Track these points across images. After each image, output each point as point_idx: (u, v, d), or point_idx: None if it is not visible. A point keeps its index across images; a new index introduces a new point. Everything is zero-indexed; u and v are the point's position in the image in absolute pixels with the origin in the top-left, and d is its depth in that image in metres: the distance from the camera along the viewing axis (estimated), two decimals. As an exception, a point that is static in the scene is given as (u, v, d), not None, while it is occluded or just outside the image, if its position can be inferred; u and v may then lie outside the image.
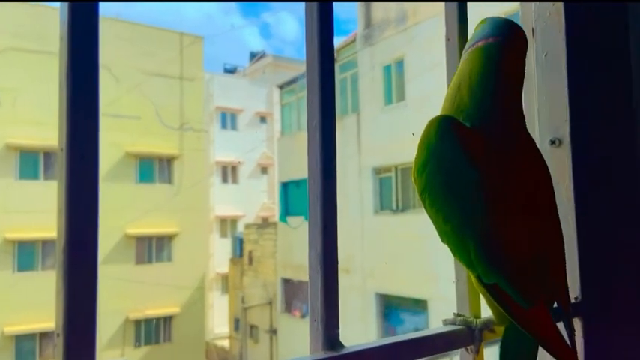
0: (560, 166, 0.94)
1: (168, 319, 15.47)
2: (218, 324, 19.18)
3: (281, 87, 15.07)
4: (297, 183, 13.22)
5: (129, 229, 14.91)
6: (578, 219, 0.93)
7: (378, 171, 10.94)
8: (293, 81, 14.37)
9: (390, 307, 10.60)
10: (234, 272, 17.35)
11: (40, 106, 12.56)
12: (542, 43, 0.98)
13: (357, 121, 11.35)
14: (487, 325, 0.79)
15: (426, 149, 0.73)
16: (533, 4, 1.01)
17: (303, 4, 0.73)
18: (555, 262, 0.76)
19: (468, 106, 0.74)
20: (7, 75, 13.19)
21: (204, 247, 17.51)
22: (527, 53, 0.79)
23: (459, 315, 0.82)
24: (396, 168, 10.49)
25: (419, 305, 9.79)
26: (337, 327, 0.66)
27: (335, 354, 0.64)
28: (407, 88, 10.27)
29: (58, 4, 0.53)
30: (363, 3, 11.39)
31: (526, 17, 1.01)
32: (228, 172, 22.27)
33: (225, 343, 17.80)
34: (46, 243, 13.43)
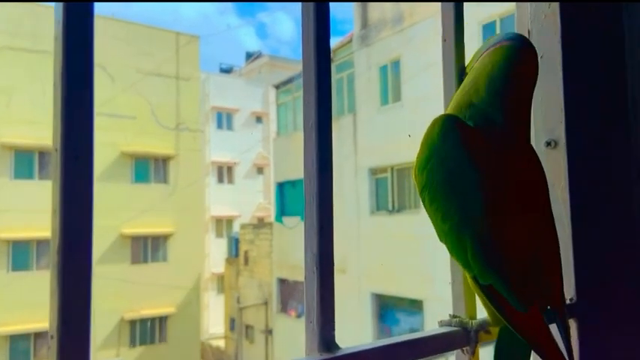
0: (555, 168, 0.94)
1: (163, 320, 15.44)
2: (213, 324, 19.15)
3: (277, 87, 15.06)
4: (293, 183, 13.21)
5: (124, 228, 14.87)
6: (574, 220, 0.93)
7: (374, 171, 10.95)
8: (289, 81, 14.36)
9: (386, 308, 10.61)
10: (229, 272, 17.33)
11: (34, 105, 12.51)
12: (537, 44, 0.98)
13: (353, 121, 11.36)
14: (483, 326, 0.79)
15: (428, 147, 0.74)
16: (528, 6, 1.01)
17: (300, 4, 0.73)
18: (551, 266, 0.76)
19: (478, 103, 0.74)
20: (2, 74, 13.13)
21: (200, 247, 17.49)
22: None
23: (454, 316, 0.82)
24: (392, 168, 10.50)
25: (414, 306, 9.81)
26: (333, 329, 0.66)
27: (331, 356, 0.64)
28: (403, 88, 10.28)
29: (53, 3, 0.53)
30: (359, 3, 11.40)
31: (522, 19, 1.02)
32: (224, 172, 22.24)
33: (221, 343, 17.78)
34: (40, 243, 13.37)
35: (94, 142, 0.50)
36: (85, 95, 0.50)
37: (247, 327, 15.71)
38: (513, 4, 1.06)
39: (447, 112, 0.78)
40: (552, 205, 0.81)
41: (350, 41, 11.79)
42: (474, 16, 8.35)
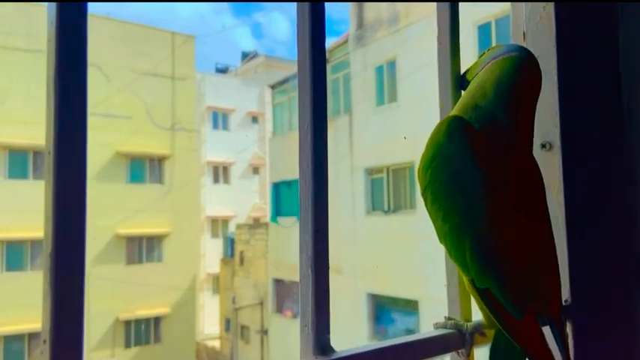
0: (550, 170, 0.95)
1: (158, 320, 15.40)
2: (209, 325, 19.12)
3: (273, 87, 15.05)
4: (288, 183, 13.20)
5: (119, 229, 14.83)
6: (569, 222, 0.93)
7: (369, 172, 10.96)
8: (285, 81, 14.36)
9: (382, 308, 10.62)
10: (225, 273, 17.30)
11: (29, 105, 12.46)
12: (532, 46, 0.98)
13: (349, 121, 11.36)
14: (478, 328, 0.79)
15: (434, 146, 0.74)
16: (523, 8, 1.01)
17: (295, 4, 0.72)
18: (548, 273, 0.76)
19: (484, 105, 0.75)
20: (-4, 73, 13.07)
21: (195, 247, 17.45)
22: None
23: (450, 319, 0.82)
24: (388, 169, 10.51)
25: (410, 306, 9.82)
26: (328, 332, 0.66)
27: (325, 359, 0.64)
28: (399, 89, 10.29)
29: (46, 3, 0.52)
30: (355, 4, 11.40)
31: (517, 21, 1.02)
32: (220, 172, 22.21)
33: (216, 343, 17.75)
34: (35, 243, 13.31)
35: (87, 145, 0.50)
36: (78, 98, 0.50)
37: (243, 327, 15.69)
38: (509, 4, 1.06)
39: (453, 113, 0.78)
40: (547, 206, 0.81)
41: (346, 41, 11.80)
42: (470, 16, 8.37)
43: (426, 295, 8.86)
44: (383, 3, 10.80)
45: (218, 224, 21.61)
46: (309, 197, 0.68)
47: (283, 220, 13.37)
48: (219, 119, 22.38)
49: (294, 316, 13.01)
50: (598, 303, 0.95)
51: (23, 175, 13.95)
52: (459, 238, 0.71)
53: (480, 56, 0.84)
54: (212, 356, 17.42)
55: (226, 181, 22.33)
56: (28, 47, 12.75)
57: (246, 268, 15.75)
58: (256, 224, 17.24)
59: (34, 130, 12.25)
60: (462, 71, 0.89)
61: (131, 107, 15.21)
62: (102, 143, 14.25)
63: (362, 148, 11.03)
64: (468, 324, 0.79)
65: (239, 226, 17.17)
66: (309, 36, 0.70)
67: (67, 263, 0.48)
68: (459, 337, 0.79)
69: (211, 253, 20.18)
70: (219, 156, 21.71)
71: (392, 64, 10.54)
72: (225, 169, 22.31)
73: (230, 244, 17.92)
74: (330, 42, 12.37)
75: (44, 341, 0.48)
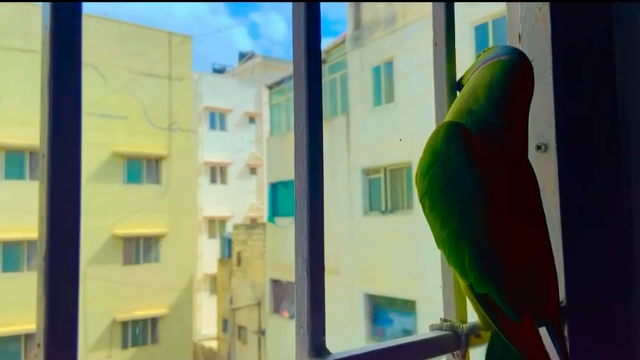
0: (545, 171, 0.95)
1: (155, 321, 15.37)
2: (206, 325, 19.09)
3: (270, 87, 15.05)
4: (285, 184, 13.20)
5: (116, 229, 14.79)
6: (564, 223, 0.94)
7: (367, 172, 10.96)
8: (282, 81, 14.35)
9: (379, 308, 10.62)
10: (222, 273, 17.28)
11: (26, 105, 12.42)
12: (528, 48, 0.98)
13: (346, 121, 11.36)
14: (473, 330, 0.79)
15: (431, 152, 0.74)
16: (519, 10, 1.01)
17: (290, 4, 0.72)
18: (546, 277, 0.76)
19: (477, 109, 0.75)
20: (-7, 73, 13.03)
21: (193, 247, 17.43)
22: None
23: (445, 320, 0.82)
24: (385, 169, 10.51)
25: (407, 306, 9.82)
26: (323, 334, 0.66)
27: (321, 361, 0.64)
28: (396, 89, 10.30)
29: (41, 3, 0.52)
30: (352, 4, 11.41)
31: (513, 23, 1.02)
32: (217, 173, 22.18)
33: (214, 344, 17.72)
34: (31, 244, 13.27)
35: (81, 147, 0.50)
36: (72, 101, 0.50)
37: (240, 328, 15.67)
38: (504, 8, 1.06)
39: (446, 119, 0.78)
40: (543, 208, 0.81)
41: (343, 42, 11.80)
42: (467, 17, 8.38)
43: (423, 295, 8.86)
44: (380, 3, 10.81)
45: (215, 224, 21.58)
46: (305, 199, 0.68)
47: (280, 221, 13.37)
48: (217, 119, 22.35)
49: (292, 317, 12.99)
50: (593, 304, 0.95)
51: (20, 176, 13.91)
52: (458, 245, 0.71)
53: (477, 57, 0.84)
54: (209, 357, 17.40)
55: (223, 181, 22.30)
56: (26, 47, 12.71)
57: (244, 269, 15.74)
58: (253, 224, 17.23)
59: (32, 130, 12.22)
60: (458, 73, 0.89)
61: (128, 107, 15.17)
62: (99, 143, 14.22)
63: (359, 149, 11.04)
64: (464, 325, 0.80)
65: (236, 227, 17.15)
66: (304, 37, 0.70)
67: (61, 266, 0.48)
68: (455, 339, 0.79)
69: (208, 254, 20.15)
70: (217, 156, 21.68)
71: (389, 65, 10.55)
72: (223, 169, 22.28)
73: (227, 244, 17.90)
74: (327, 42, 12.37)
75: (38, 345, 0.48)
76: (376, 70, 10.88)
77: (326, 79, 11.84)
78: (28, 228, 12.35)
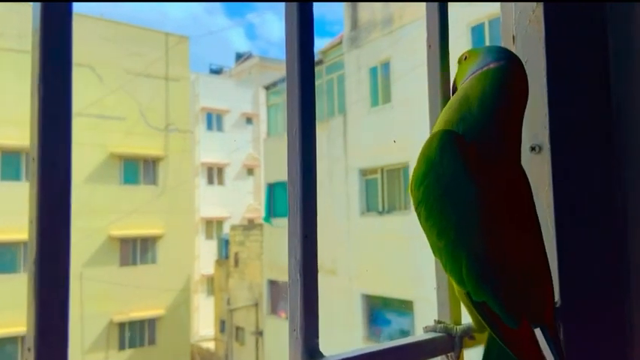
0: (539, 172, 0.95)
1: (152, 322, 15.34)
2: (203, 326, 19.06)
3: (267, 88, 15.05)
4: (283, 184, 13.19)
5: (113, 230, 14.76)
6: (558, 224, 0.94)
7: (364, 172, 10.96)
8: (279, 82, 14.35)
9: (376, 309, 10.62)
10: (219, 274, 17.26)
11: (21, 106, 12.37)
12: (522, 49, 0.99)
13: (343, 122, 11.37)
14: (467, 332, 0.79)
15: (426, 162, 0.73)
16: (513, 11, 1.01)
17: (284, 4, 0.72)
18: (541, 283, 0.76)
19: (470, 118, 0.74)
20: (-12, 74, 12.99)
21: (190, 248, 17.40)
22: None
23: (439, 322, 0.82)
24: (382, 169, 10.52)
25: (405, 306, 9.83)
26: (317, 336, 0.66)
27: (314, 363, 0.64)
28: (393, 90, 10.31)
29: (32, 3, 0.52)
30: (349, 4, 11.42)
31: (506, 24, 1.02)
32: (214, 173, 22.15)
33: (211, 345, 17.69)
34: (27, 245, 13.23)
35: (72, 151, 0.50)
36: (62, 104, 0.50)
37: (237, 329, 15.66)
38: (498, 10, 1.06)
39: (436, 128, 0.77)
40: (537, 209, 0.81)
41: (340, 43, 11.80)
42: (463, 18, 8.39)
43: (420, 295, 8.87)
44: (377, 4, 10.82)
45: (212, 225, 21.55)
46: (298, 202, 0.68)
47: (277, 221, 13.36)
48: (214, 120, 22.33)
49: (289, 318, 12.97)
50: (588, 304, 0.96)
51: (16, 177, 13.87)
52: (455, 254, 0.70)
53: (459, 62, 0.83)
54: (207, 358, 17.37)
55: (220, 182, 22.27)
56: (20, 48, 12.67)
57: (241, 270, 15.72)
58: (251, 225, 17.22)
59: (27, 131, 12.15)
60: (452, 74, 0.89)
61: (125, 108, 15.15)
62: (95, 144, 14.20)
63: (356, 149, 11.04)
64: (458, 327, 0.80)
65: (233, 228, 17.14)
66: (297, 39, 0.70)
67: (51, 270, 0.48)
68: (449, 341, 0.79)
69: (206, 255, 20.12)
70: (214, 157, 21.66)
71: (386, 65, 10.56)
72: (220, 170, 22.26)
73: (224, 245, 17.88)
74: (324, 43, 12.38)
75: (29, 349, 0.48)
76: (373, 71, 10.89)
77: (323, 79, 11.84)
78: (24, 229, 12.27)
